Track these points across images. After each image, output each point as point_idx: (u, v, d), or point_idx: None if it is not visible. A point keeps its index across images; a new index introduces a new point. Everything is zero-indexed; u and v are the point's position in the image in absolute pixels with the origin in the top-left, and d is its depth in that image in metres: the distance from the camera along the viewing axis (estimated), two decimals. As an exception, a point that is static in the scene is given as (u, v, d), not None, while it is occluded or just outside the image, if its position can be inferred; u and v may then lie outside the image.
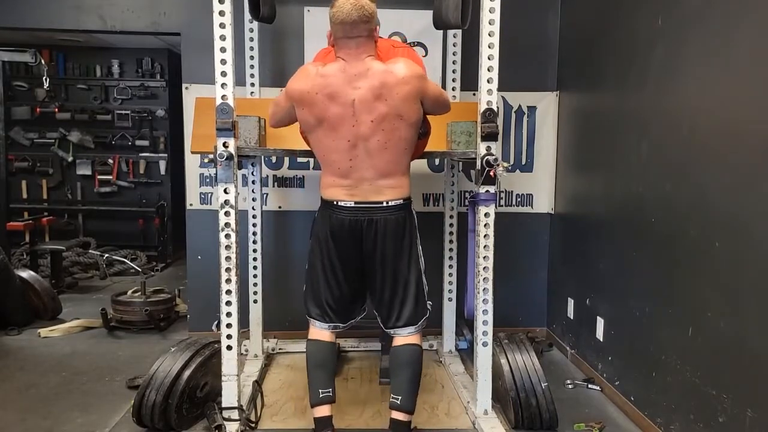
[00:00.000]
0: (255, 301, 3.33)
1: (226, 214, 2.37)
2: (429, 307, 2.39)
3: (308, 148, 2.53)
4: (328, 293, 2.33)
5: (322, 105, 2.13)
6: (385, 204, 2.22)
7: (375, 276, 2.29)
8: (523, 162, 3.83)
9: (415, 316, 2.32)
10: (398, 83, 2.11)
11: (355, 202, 2.21)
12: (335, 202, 2.23)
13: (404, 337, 2.32)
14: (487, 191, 2.45)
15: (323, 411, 2.27)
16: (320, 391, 2.26)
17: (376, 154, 2.16)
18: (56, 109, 6.31)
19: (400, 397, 2.23)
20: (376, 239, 2.22)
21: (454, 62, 3.43)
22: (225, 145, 2.32)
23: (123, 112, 6.40)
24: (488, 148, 2.42)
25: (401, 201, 2.25)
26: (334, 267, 2.30)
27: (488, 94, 2.41)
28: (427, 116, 2.36)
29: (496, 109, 2.42)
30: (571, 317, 3.47)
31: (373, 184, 2.20)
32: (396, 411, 2.24)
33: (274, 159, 3.65)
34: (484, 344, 2.55)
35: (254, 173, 3.31)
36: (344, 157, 2.18)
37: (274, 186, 3.73)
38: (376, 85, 2.10)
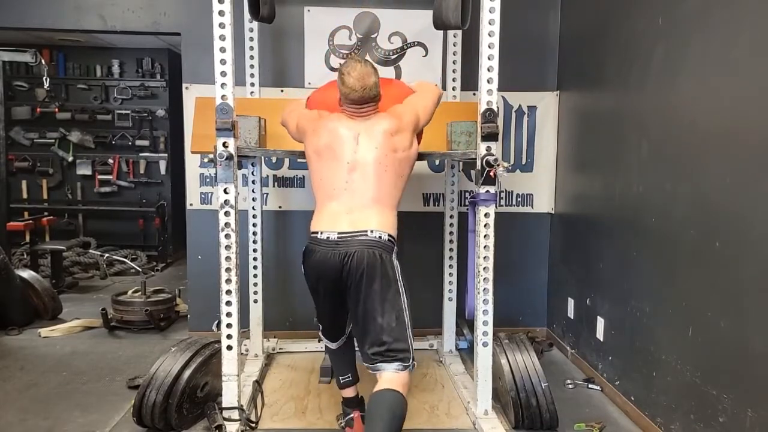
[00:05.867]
0: (255, 301, 3.33)
1: (226, 214, 2.37)
2: (413, 365, 2.17)
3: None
4: (325, 315, 2.43)
5: (325, 135, 2.28)
6: (369, 233, 2.17)
7: (353, 311, 2.23)
8: (523, 162, 3.83)
9: (388, 355, 2.12)
10: (398, 120, 2.30)
11: (339, 233, 2.17)
12: (319, 234, 2.21)
13: (386, 379, 2.12)
14: (487, 191, 2.45)
15: (348, 393, 2.51)
16: (341, 378, 2.51)
17: (372, 178, 2.21)
18: (56, 109, 6.31)
19: None
20: (354, 271, 2.13)
21: (454, 62, 3.44)
22: (225, 145, 2.32)
23: (123, 112, 6.41)
24: (488, 148, 2.42)
25: (387, 236, 2.20)
26: (321, 297, 2.35)
27: (488, 94, 2.41)
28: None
29: (496, 109, 2.42)
30: (572, 317, 3.47)
31: (362, 212, 2.20)
32: None
33: (274, 159, 3.65)
34: (485, 344, 2.55)
35: (254, 173, 3.31)
36: (341, 180, 2.23)
37: (274, 186, 3.73)
38: (381, 123, 2.27)
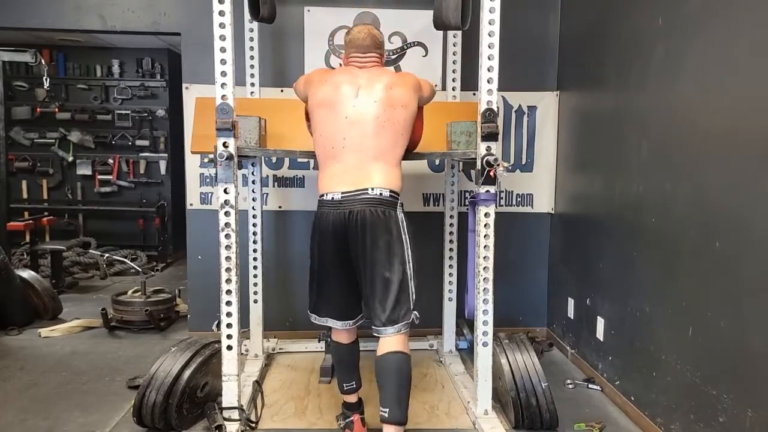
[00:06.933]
0: (255, 301, 3.33)
1: (226, 214, 2.37)
2: (415, 317, 2.27)
3: (308, 150, 2.55)
4: (326, 293, 2.38)
5: (327, 86, 2.33)
6: (371, 190, 2.23)
7: (359, 271, 2.27)
8: (523, 162, 3.83)
9: (392, 317, 2.21)
10: (400, 77, 2.40)
11: (342, 193, 2.24)
12: (325, 196, 2.28)
13: (388, 341, 2.21)
14: (487, 191, 2.45)
15: (350, 399, 2.52)
16: (344, 385, 2.49)
17: (371, 135, 2.26)
18: (56, 109, 6.31)
19: (387, 410, 2.13)
20: (356, 230, 2.21)
21: (454, 62, 3.44)
22: (225, 145, 2.32)
23: (123, 112, 6.41)
24: (488, 148, 2.42)
25: (389, 192, 2.25)
26: (326, 265, 2.34)
27: (488, 94, 2.41)
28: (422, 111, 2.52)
29: (496, 109, 2.42)
30: (572, 317, 3.47)
31: (362, 169, 2.25)
32: (386, 424, 2.15)
33: (274, 159, 3.65)
34: (485, 344, 2.55)
35: (254, 173, 3.31)
36: (339, 137, 2.27)
37: (274, 186, 3.73)
38: (382, 77, 2.34)
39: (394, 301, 2.22)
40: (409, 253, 2.28)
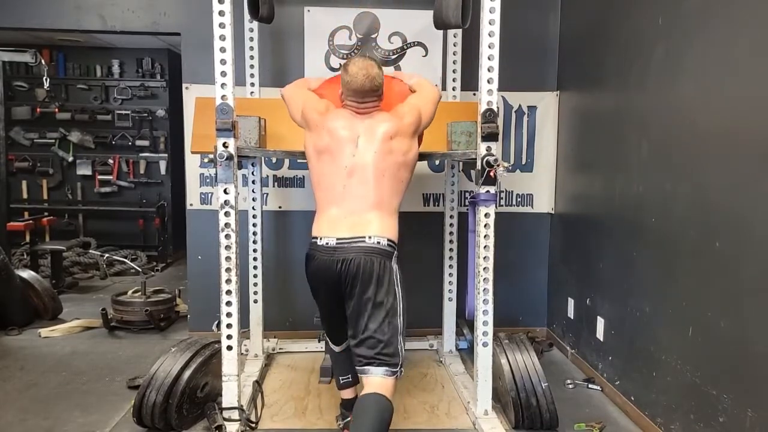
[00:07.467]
0: (255, 301, 3.33)
1: (226, 214, 2.37)
2: (400, 371, 2.18)
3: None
4: (327, 320, 2.44)
5: (326, 135, 2.26)
6: (367, 239, 2.16)
7: (349, 319, 2.22)
8: (523, 162, 3.83)
9: (376, 359, 2.14)
10: (399, 120, 2.29)
11: (338, 239, 2.17)
12: (319, 240, 2.21)
13: (372, 382, 2.13)
14: (488, 191, 2.45)
15: (347, 394, 2.53)
16: (341, 378, 2.53)
17: (370, 184, 2.20)
18: (56, 109, 6.31)
19: None
20: (347, 280, 2.14)
21: (454, 62, 3.44)
22: (225, 145, 2.32)
23: (123, 112, 6.41)
24: (488, 149, 2.42)
25: (386, 241, 2.18)
26: (323, 302, 2.36)
27: (488, 94, 2.41)
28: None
29: (496, 109, 2.42)
30: (572, 317, 3.47)
31: (361, 217, 2.19)
32: None
33: (274, 159, 3.65)
34: (485, 344, 2.55)
35: (254, 173, 3.31)
36: (339, 183, 2.22)
37: (274, 186, 3.73)
38: (381, 125, 2.26)
39: (379, 352, 2.15)
40: (400, 307, 2.19)
